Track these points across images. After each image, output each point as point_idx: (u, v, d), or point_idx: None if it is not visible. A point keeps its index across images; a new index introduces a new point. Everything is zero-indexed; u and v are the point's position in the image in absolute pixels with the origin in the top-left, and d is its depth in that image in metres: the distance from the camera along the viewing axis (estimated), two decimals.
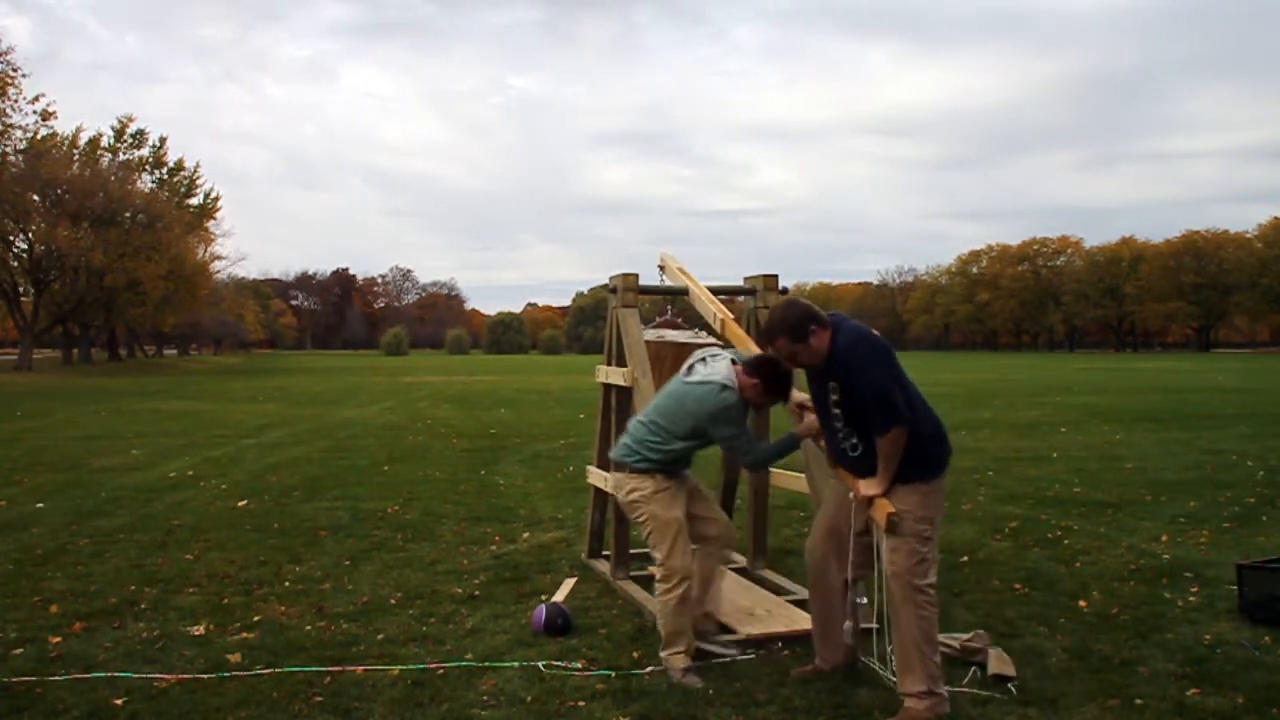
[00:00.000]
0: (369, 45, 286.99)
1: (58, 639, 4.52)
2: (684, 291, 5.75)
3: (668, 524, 4.24)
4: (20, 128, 38.76)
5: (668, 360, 5.78)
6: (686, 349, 5.79)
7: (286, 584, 5.58)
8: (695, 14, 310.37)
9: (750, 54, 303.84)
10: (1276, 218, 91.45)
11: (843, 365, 3.70)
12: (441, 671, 4.08)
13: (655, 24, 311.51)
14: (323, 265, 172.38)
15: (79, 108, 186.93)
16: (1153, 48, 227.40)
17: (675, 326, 5.90)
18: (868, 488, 3.74)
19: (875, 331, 3.82)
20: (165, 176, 53.05)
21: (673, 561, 4.19)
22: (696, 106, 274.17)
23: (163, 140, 52.46)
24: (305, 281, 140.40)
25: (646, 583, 5.52)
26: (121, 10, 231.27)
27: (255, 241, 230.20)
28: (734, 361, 4.35)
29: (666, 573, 4.20)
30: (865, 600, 4.07)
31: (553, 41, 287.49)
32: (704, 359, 4.43)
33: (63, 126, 57.17)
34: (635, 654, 4.33)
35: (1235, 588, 4.93)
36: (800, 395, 4.29)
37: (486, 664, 4.17)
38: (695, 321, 6.03)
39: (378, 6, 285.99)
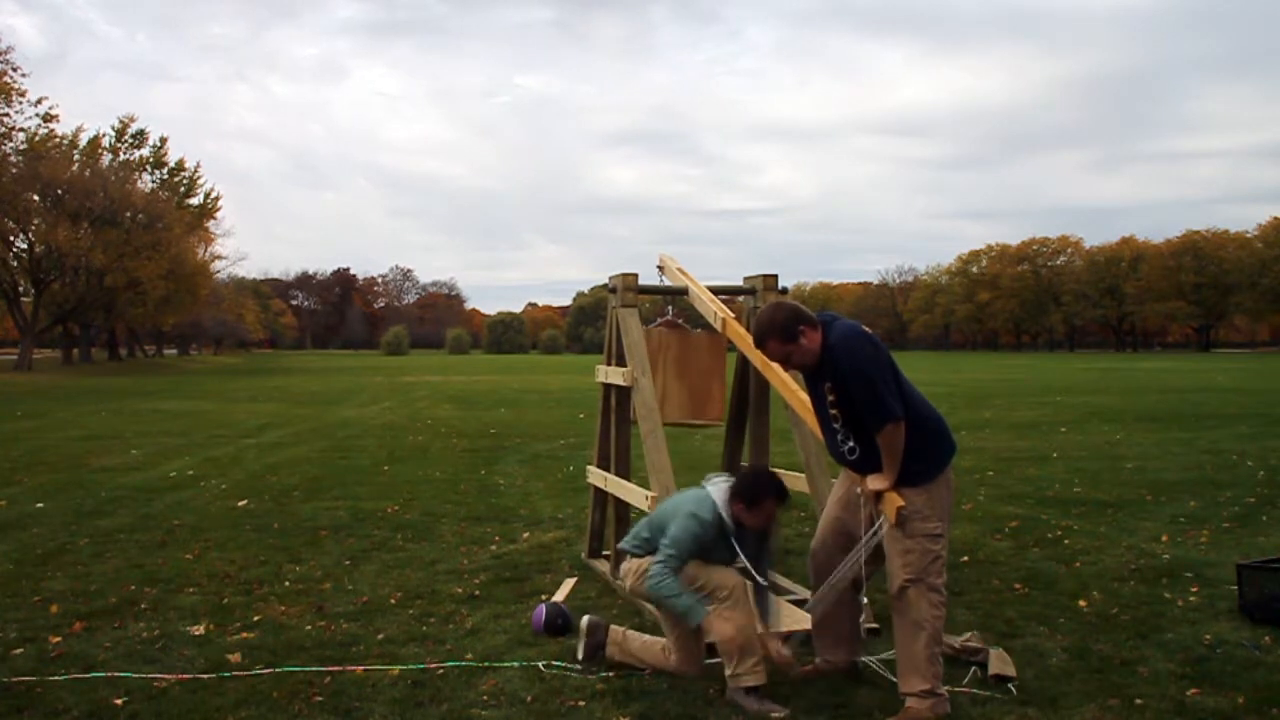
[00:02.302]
0: (380, 44, 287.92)
1: (58, 639, 4.52)
2: (684, 291, 5.75)
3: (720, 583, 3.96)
4: (21, 130, 38.88)
5: (671, 350, 5.78)
6: (690, 339, 5.80)
7: (286, 584, 5.58)
8: (710, 13, 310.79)
9: (764, 53, 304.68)
10: (1276, 218, 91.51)
11: (833, 362, 3.70)
12: (441, 671, 4.08)
13: (669, 23, 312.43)
14: (327, 265, 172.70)
15: (88, 106, 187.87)
16: (1164, 48, 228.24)
17: (675, 327, 5.90)
18: (875, 482, 3.73)
19: (868, 329, 3.81)
20: (166, 176, 53.10)
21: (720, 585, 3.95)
22: (707, 106, 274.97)
23: (163, 140, 52.65)
24: (305, 281, 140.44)
25: None
26: (132, 9, 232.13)
27: (260, 241, 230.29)
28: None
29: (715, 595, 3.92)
30: (866, 600, 4.06)
31: (564, 40, 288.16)
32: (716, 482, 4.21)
33: (71, 124, 57.59)
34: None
35: (1235, 588, 4.93)
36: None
37: (486, 664, 4.17)
38: (696, 321, 6.03)
39: (391, 6, 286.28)
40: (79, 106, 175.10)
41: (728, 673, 3.80)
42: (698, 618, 3.87)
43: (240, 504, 8.26)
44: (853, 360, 3.64)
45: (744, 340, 5.01)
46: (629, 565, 4.20)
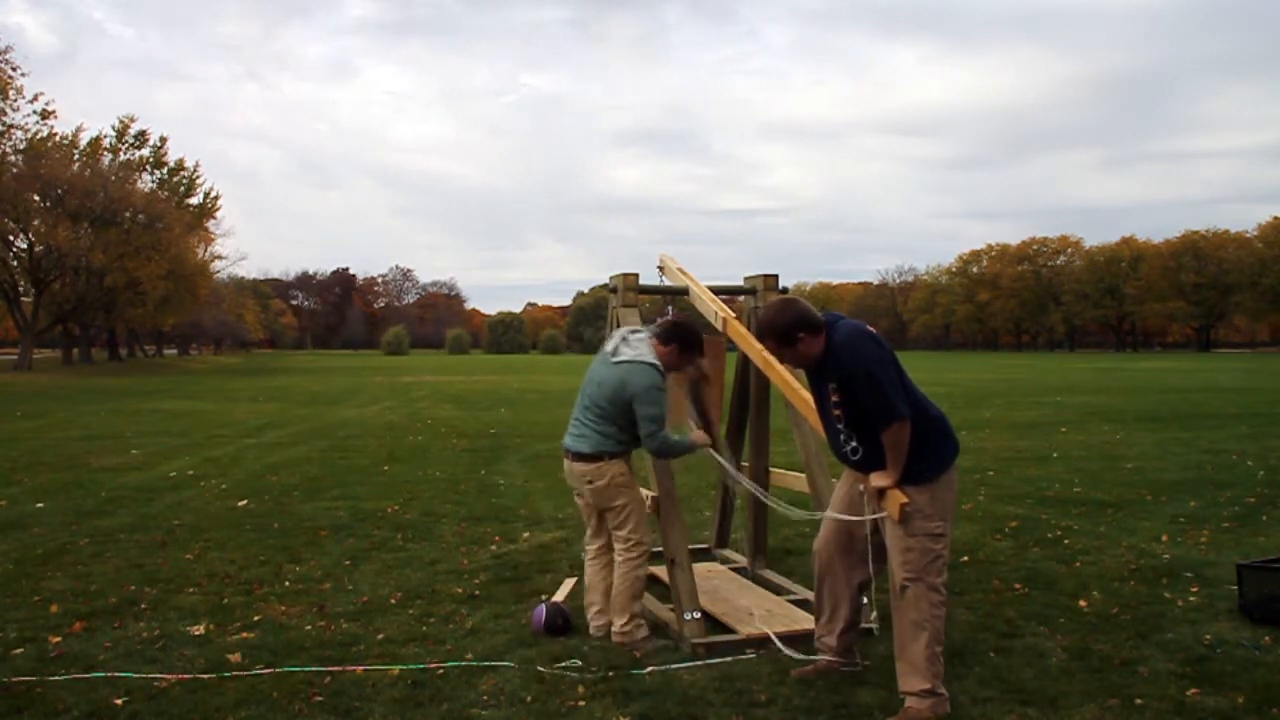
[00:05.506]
0: (391, 43, 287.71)
1: (58, 639, 4.52)
2: (684, 291, 5.75)
3: (642, 503, 4.64)
4: (20, 128, 38.84)
5: None
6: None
7: (286, 584, 5.58)
8: (727, 12, 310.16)
9: (779, 53, 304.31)
10: (1277, 217, 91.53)
11: (837, 362, 3.71)
12: (441, 671, 4.08)
13: (685, 23, 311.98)
14: (328, 265, 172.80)
15: (98, 105, 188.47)
16: (1168, 48, 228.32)
17: None
18: (878, 479, 3.74)
19: (872, 329, 3.82)
20: (165, 176, 53.02)
21: (645, 535, 4.60)
22: (719, 105, 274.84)
23: (163, 140, 52.46)
24: (305, 281, 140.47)
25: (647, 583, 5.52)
26: (144, 8, 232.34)
27: (264, 241, 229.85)
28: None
29: (638, 543, 4.57)
30: (866, 600, 4.06)
31: (578, 40, 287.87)
32: (625, 339, 4.63)
33: (82, 123, 57.58)
34: (636, 654, 4.33)
35: (1235, 588, 4.93)
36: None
37: (486, 664, 4.17)
38: (696, 322, 6.02)
39: (407, 4, 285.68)
40: (89, 105, 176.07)
41: (619, 625, 4.49)
42: (692, 447, 4.68)
43: (240, 504, 8.26)
44: (858, 360, 3.65)
45: (745, 340, 5.01)
46: (594, 468, 4.54)
